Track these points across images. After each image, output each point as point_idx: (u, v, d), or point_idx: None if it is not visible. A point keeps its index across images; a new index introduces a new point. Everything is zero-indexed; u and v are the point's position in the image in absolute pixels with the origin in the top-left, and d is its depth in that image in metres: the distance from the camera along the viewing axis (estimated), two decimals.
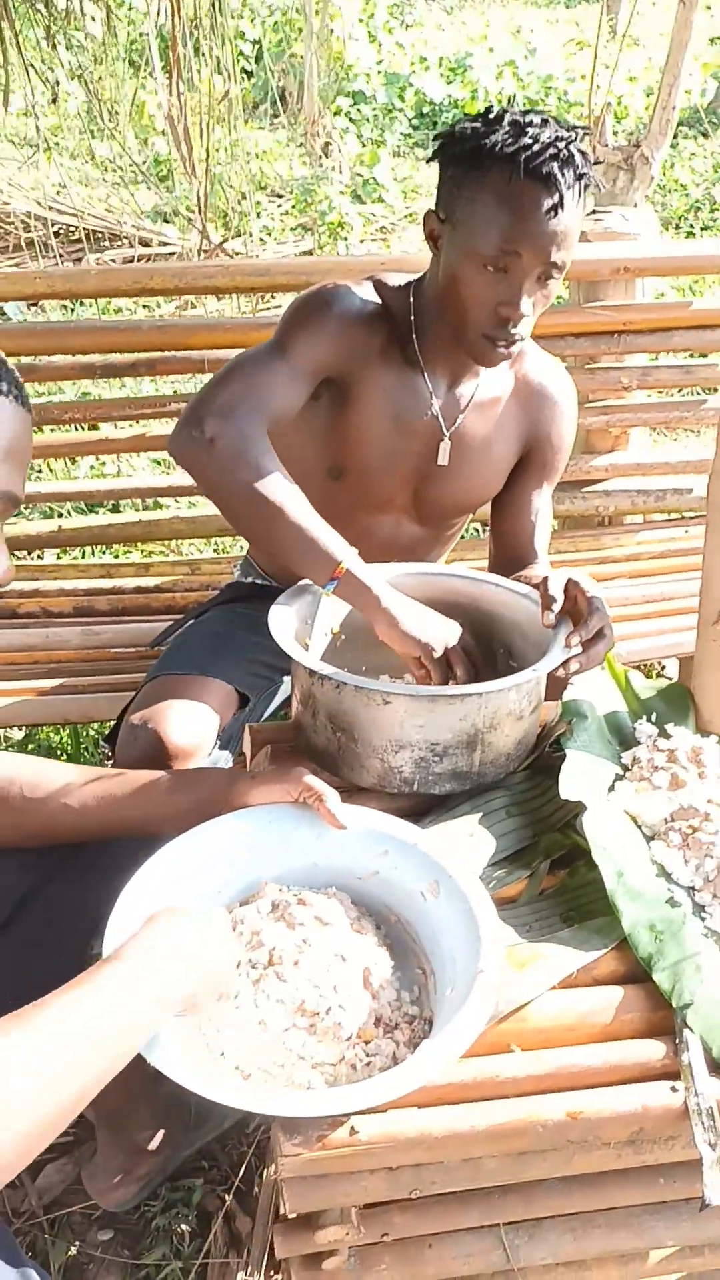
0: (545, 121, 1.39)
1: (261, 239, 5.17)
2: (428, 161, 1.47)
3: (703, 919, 1.17)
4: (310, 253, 5.00)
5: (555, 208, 1.37)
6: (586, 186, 1.42)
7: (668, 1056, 1.06)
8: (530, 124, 1.38)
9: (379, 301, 1.57)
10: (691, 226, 5.87)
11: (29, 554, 2.19)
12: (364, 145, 6.60)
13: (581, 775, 1.28)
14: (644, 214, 2.22)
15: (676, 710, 1.44)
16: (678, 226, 5.91)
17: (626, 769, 1.34)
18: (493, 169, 1.37)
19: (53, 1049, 0.80)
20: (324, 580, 1.37)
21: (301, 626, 1.39)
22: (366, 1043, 1.03)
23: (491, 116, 1.41)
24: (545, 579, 1.38)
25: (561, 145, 1.37)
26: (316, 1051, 1.01)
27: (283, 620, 1.34)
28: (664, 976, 1.10)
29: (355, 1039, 1.03)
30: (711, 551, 1.33)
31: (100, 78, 5.99)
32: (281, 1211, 1.04)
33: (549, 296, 1.49)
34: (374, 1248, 1.15)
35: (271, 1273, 1.45)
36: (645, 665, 2.22)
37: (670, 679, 1.59)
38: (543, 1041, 1.08)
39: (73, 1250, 1.49)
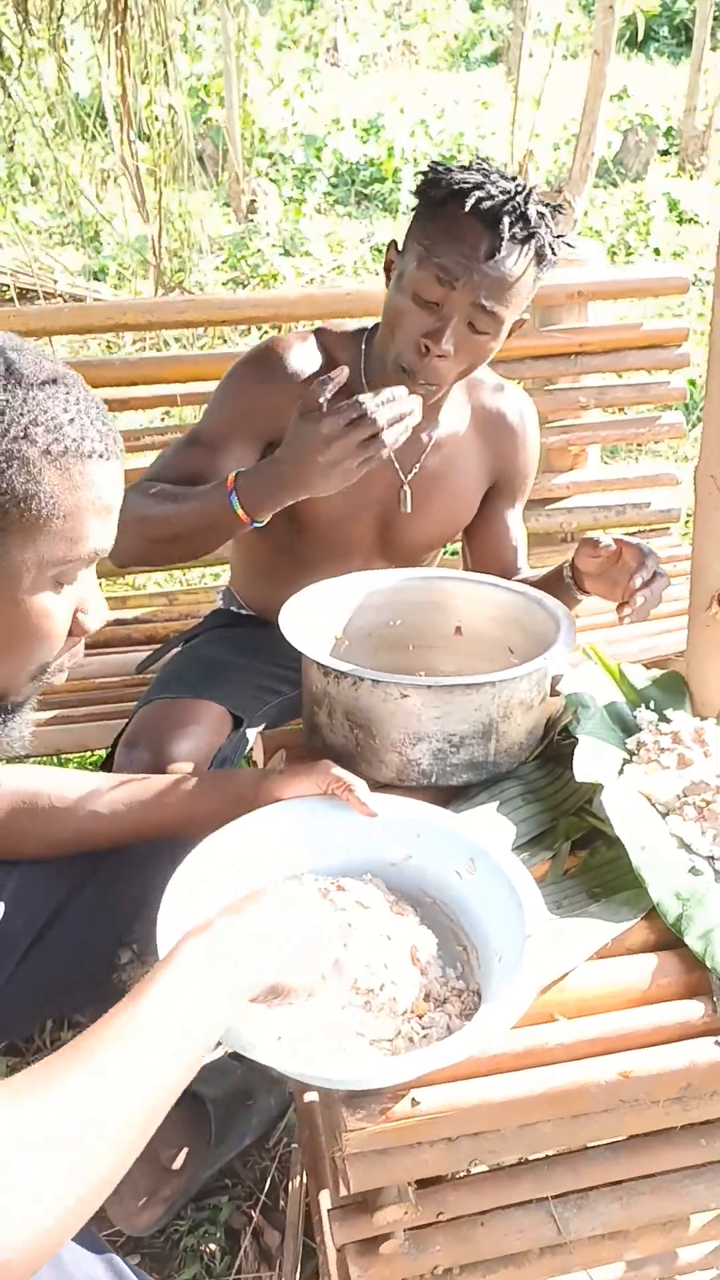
0: (514, 179, 1.45)
1: (193, 292, 5.25)
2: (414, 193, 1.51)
3: None
4: None
5: (494, 250, 1.40)
6: (539, 251, 1.45)
7: (707, 1014, 1.10)
8: (499, 176, 1.44)
9: (321, 355, 1.59)
10: None
11: None
12: (286, 203, 6.75)
13: (594, 758, 1.32)
14: (591, 244, 2.32)
15: (672, 697, 1.49)
16: None
17: (632, 754, 1.39)
18: (449, 204, 1.42)
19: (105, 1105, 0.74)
20: (227, 505, 1.38)
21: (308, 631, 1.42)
22: (420, 1017, 1.06)
23: (471, 166, 1.47)
24: (586, 539, 1.43)
25: (519, 200, 1.41)
26: (373, 1028, 1.03)
27: (294, 623, 1.37)
28: (696, 940, 1.14)
29: (409, 1013, 1.05)
30: (700, 541, 1.39)
31: (14, 146, 6.08)
32: (342, 1192, 1.05)
33: (475, 351, 1.48)
34: (427, 1230, 1.16)
35: None
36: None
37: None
38: (585, 1010, 1.11)
39: None
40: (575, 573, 1.52)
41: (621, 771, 1.35)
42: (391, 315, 1.49)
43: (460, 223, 1.40)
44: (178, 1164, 1.50)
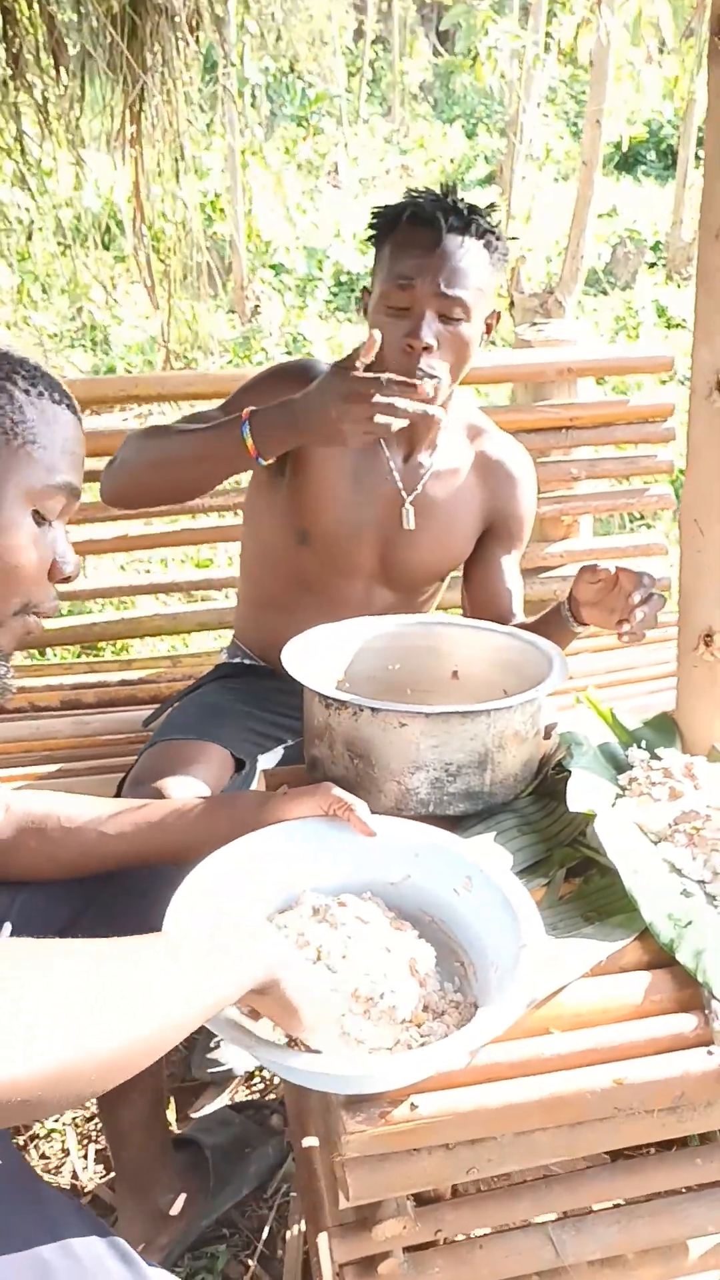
0: (451, 188, 1.60)
1: None
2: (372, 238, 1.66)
3: (716, 908, 1.24)
4: None
5: (436, 242, 1.53)
6: (483, 238, 1.57)
7: (700, 1027, 1.12)
8: (432, 193, 1.59)
9: None
10: None
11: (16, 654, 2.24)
12: (288, 309, 7.01)
13: (588, 790, 1.36)
14: (580, 324, 2.44)
15: (664, 737, 1.54)
16: None
17: (624, 789, 1.43)
18: (395, 225, 1.57)
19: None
20: (238, 435, 1.48)
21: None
22: (418, 1026, 1.08)
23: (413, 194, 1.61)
24: (586, 566, 1.53)
25: (448, 200, 1.56)
26: (373, 1035, 1.05)
27: (297, 661, 1.42)
28: (688, 958, 1.17)
29: (408, 1023, 1.07)
30: (686, 582, 1.46)
31: (24, 256, 6.35)
32: (342, 1204, 1.06)
33: (455, 341, 1.58)
34: (426, 1252, 1.16)
35: None
36: None
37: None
38: (579, 1024, 1.13)
39: None
40: (573, 603, 1.59)
41: (614, 805, 1.39)
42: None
43: (404, 233, 1.55)
44: (175, 1210, 1.50)
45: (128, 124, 2.45)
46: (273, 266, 7.78)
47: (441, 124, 18.75)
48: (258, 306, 6.19)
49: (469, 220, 1.56)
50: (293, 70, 14.40)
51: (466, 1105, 1.03)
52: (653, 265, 8.69)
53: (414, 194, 1.60)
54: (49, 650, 2.55)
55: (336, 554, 1.72)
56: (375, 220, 1.61)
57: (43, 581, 1.06)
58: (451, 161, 16.48)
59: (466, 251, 1.56)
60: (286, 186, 9.75)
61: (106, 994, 0.76)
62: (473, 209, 1.57)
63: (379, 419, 1.37)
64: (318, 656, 1.49)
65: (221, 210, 7.27)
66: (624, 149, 12.57)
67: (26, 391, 1.01)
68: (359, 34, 19.24)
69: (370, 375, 1.39)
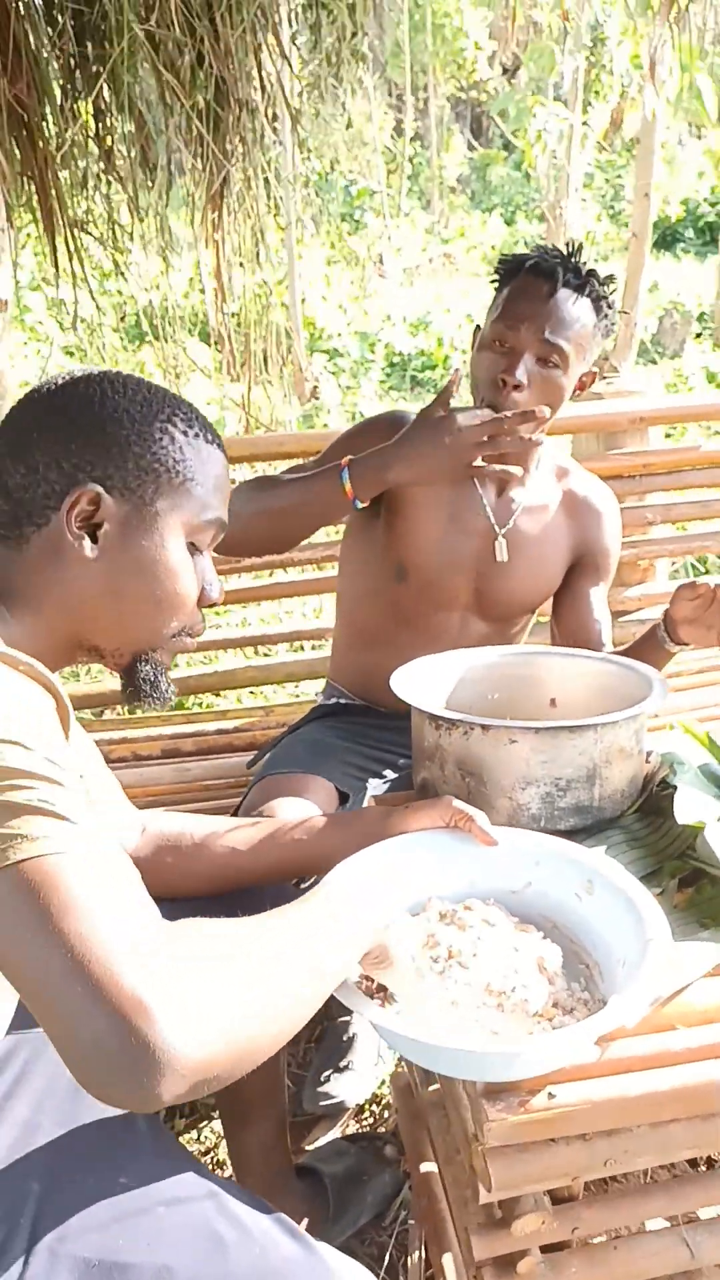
0: (576, 249, 1.70)
1: None
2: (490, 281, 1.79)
3: None
4: None
5: (550, 293, 1.64)
6: (595, 298, 1.68)
7: None
8: (558, 251, 1.70)
9: None
10: None
11: (114, 710, 2.33)
12: (344, 391, 7.23)
13: (694, 802, 1.40)
14: (650, 375, 2.52)
15: None
16: None
17: None
18: (516, 273, 1.70)
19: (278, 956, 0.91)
20: (337, 480, 1.60)
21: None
22: (550, 1020, 1.11)
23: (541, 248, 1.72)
24: (684, 584, 1.63)
25: (569, 259, 1.67)
26: (507, 1027, 1.08)
27: (405, 687, 1.48)
28: None
29: (540, 1016, 1.11)
30: None
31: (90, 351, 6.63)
32: (483, 1198, 1.09)
33: (547, 384, 1.67)
34: (562, 1253, 1.18)
35: None
36: None
37: None
38: (705, 1020, 1.16)
39: None
40: (669, 623, 1.65)
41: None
42: (475, 368, 1.72)
43: (525, 280, 1.67)
44: None
45: (209, 212, 2.60)
46: (326, 351, 8.04)
47: (480, 213, 19.26)
48: (316, 388, 6.40)
49: (585, 281, 1.67)
50: (334, 169, 14.96)
51: (602, 1095, 1.06)
52: (699, 335, 8.84)
53: (541, 248, 1.72)
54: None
55: (433, 587, 1.79)
56: (500, 266, 1.74)
57: (195, 606, 1.14)
58: (493, 248, 16.97)
59: (575, 307, 1.66)
60: (335, 277, 10.11)
61: (279, 975, 0.89)
62: (591, 272, 1.68)
63: (485, 450, 1.47)
64: (421, 687, 1.55)
65: (282, 303, 7.57)
66: (668, 220, 12.84)
67: (185, 433, 1.09)
68: (398, 132, 19.95)
69: (476, 410, 1.50)
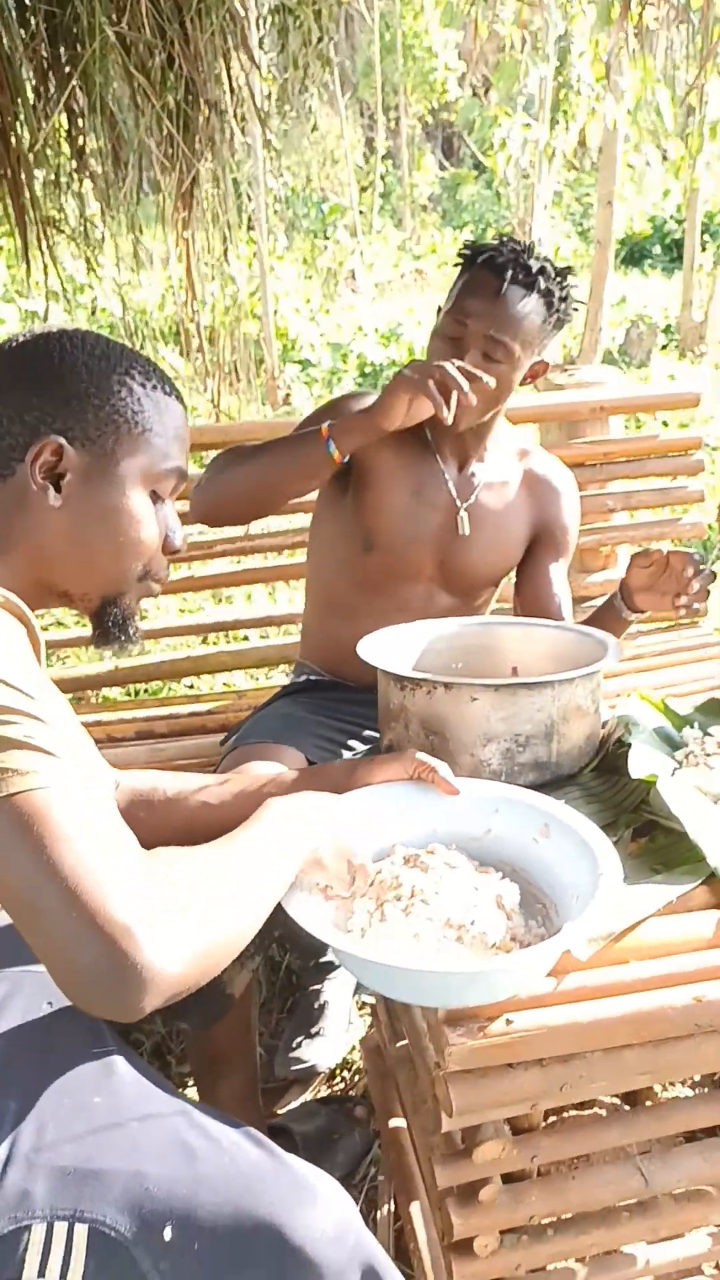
0: (530, 247, 1.75)
1: None
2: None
3: None
4: None
5: (498, 291, 1.69)
6: (545, 294, 1.73)
7: None
8: (513, 243, 1.75)
9: None
10: None
11: (91, 693, 2.37)
12: (315, 400, 7.29)
13: (647, 758, 1.46)
14: (610, 369, 2.60)
15: (714, 719, 1.64)
16: None
17: (681, 763, 1.53)
18: (470, 266, 1.75)
19: (224, 873, 1.00)
20: (323, 449, 1.66)
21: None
22: (508, 953, 1.16)
23: (495, 240, 1.78)
24: (637, 553, 1.71)
25: (522, 255, 1.72)
26: (466, 959, 1.13)
27: (371, 653, 1.53)
28: None
29: (497, 948, 1.16)
30: None
31: None
32: (444, 1126, 1.13)
33: (497, 381, 1.72)
34: (522, 1184, 1.23)
35: None
36: None
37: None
38: (657, 954, 1.21)
39: None
40: (625, 592, 1.71)
41: (673, 775, 1.49)
42: (429, 353, 1.78)
43: (476, 275, 1.73)
44: None
45: (180, 210, 2.66)
46: (299, 362, 8.11)
47: (452, 230, 19.43)
48: (289, 395, 6.47)
49: (533, 279, 1.72)
50: (306, 186, 15.09)
51: (557, 1021, 1.11)
52: (664, 347, 8.98)
53: (500, 240, 1.77)
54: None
55: (399, 559, 1.85)
56: (462, 252, 1.80)
57: (158, 552, 1.18)
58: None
59: (524, 304, 1.71)
60: (307, 291, 10.21)
61: (238, 891, 0.99)
62: (541, 270, 1.73)
63: (432, 388, 1.53)
64: (387, 656, 1.60)
65: (253, 314, 7.64)
66: (635, 236, 13.02)
67: (143, 385, 1.14)
68: (370, 149, 20.14)
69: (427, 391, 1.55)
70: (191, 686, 2.88)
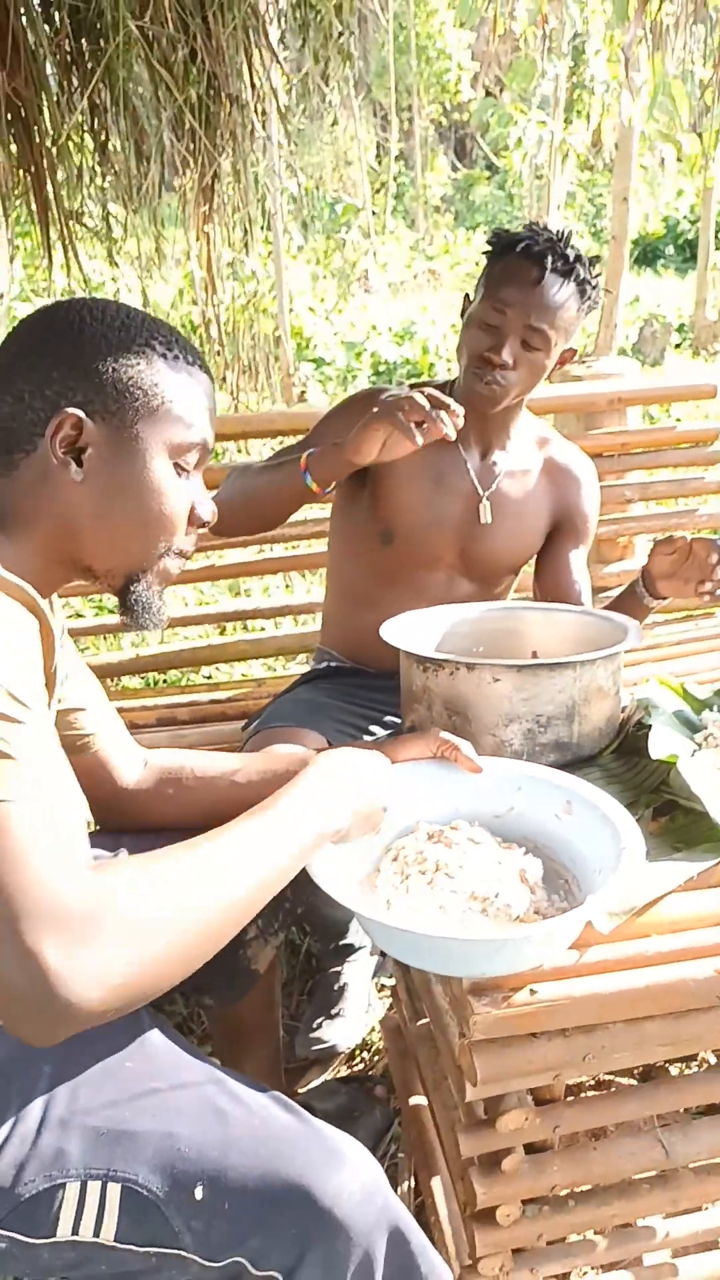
0: (565, 236, 1.76)
1: None
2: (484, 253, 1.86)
3: None
4: None
5: (538, 279, 1.71)
6: (580, 283, 1.75)
7: None
8: (545, 230, 1.76)
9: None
10: None
11: (110, 682, 2.39)
12: (331, 397, 7.32)
13: (667, 739, 1.48)
14: (628, 360, 2.62)
15: None
16: None
17: (700, 745, 1.54)
18: (506, 252, 1.76)
19: (237, 858, 0.99)
20: (301, 479, 1.67)
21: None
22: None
23: (525, 228, 1.79)
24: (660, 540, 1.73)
25: (559, 244, 1.74)
26: (490, 930, 1.15)
27: (394, 635, 1.55)
28: None
29: (521, 920, 1.18)
30: None
31: None
32: (469, 1095, 1.15)
33: (530, 364, 1.76)
34: (545, 1154, 1.25)
35: None
36: None
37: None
38: (678, 929, 1.23)
39: None
40: (648, 579, 1.73)
41: (693, 756, 1.50)
42: (463, 343, 1.79)
43: (513, 263, 1.73)
44: None
45: (200, 204, 2.69)
46: (314, 360, 8.14)
47: (465, 231, 19.45)
48: (304, 393, 6.50)
49: (571, 267, 1.74)
50: (319, 188, 15.13)
51: (580, 992, 1.13)
52: (678, 346, 8.99)
53: (532, 229, 1.78)
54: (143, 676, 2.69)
55: (420, 547, 1.87)
56: (492, 241, 1.81)
57: (185, 527, 1.16)
58: (476, 264, 17.17)
59: (560, 292, 1.74)
60: (321, 291, 10.24)
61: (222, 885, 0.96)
62: (579, 258, 1.76)
63: (402, 421, 1.50)
64: (409, 639, 1.62)
65: (265, 310, 7.68)
66: (649, 236, 13.04)
67: (164, 355, 1.11)
68: (384, 151, 20.17)
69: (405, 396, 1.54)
70: (209, 677, 2.91)
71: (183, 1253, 0.94)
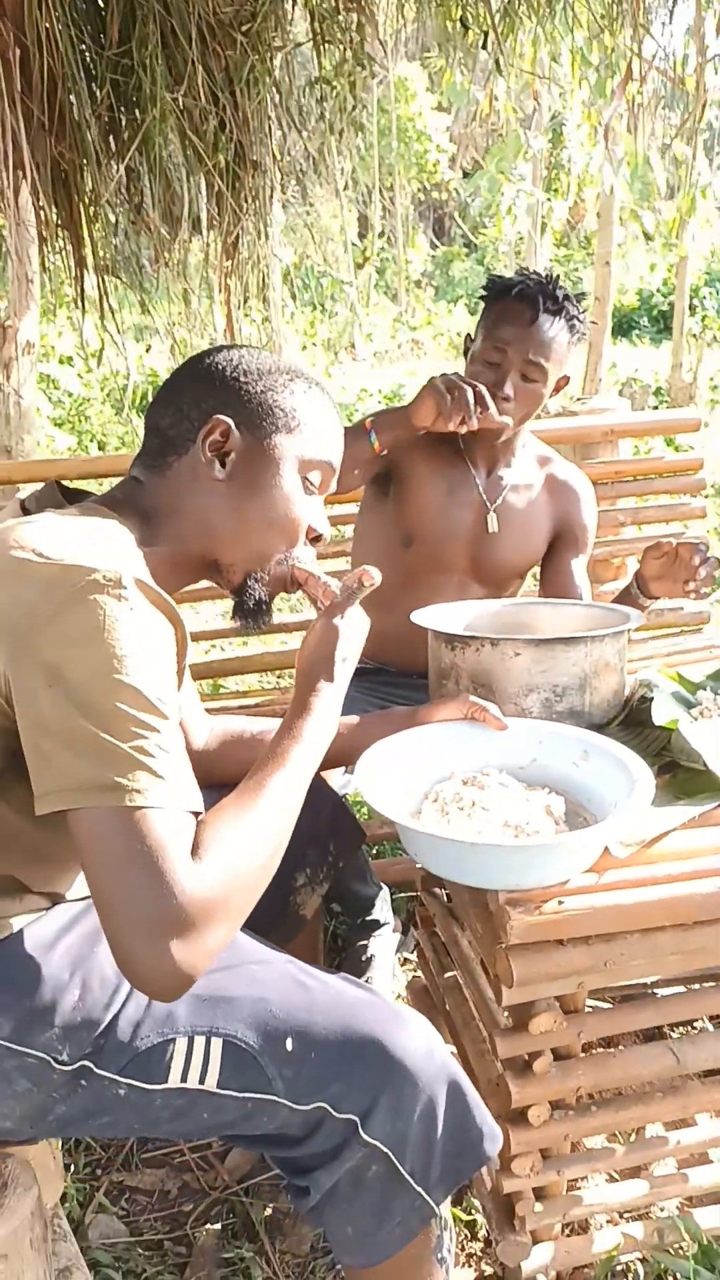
0: (554, 278, 2.00)
1: None
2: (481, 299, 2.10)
3: None
4: None
5: (533, 319, 1.94)
6: (570, 319, 1.98)
7: None
8: (538, 276, 2.00)
9: None
10: None
11: None
12: None
13: (669, 707, 1.66)
14: (619, 398, 2.85)
15: None
16: None
17: (696, 718, 1.73)
18: (501, 295, 2.00)
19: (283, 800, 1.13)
20: (366, 439, 1.91)
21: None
22: None
23: (517, 274, 2.02)
24: (650, 547, 1.94)
25: (548, 286, 1.97)
26: None
27: (429, 618, 1.74)
28: None
29: None
30: None
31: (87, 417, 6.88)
32: (505, 999, 1.32)
33: (530, 396, 1.99)
34: (570, 1060, 1.41)
35: None
36: None
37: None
38: (681, 857, 1.40)
39: (269, 1210, 1.66)
40: (641, 581, 1.94)
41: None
42: (469, 377, 2.00)
43: (510, 305, 1.97)
44: None
45: (224, 260, 2.93)
46: None
47: (446, 303, 20.01)
48: None
49: (561, 305, 1.97)
50: (306, 260, 15.61)
51: (602, 904, 1.30)
52: (655, 407, 9.34)
53: (523, 273, 2.01)
54: None
55: (435, 553, 2.07)
56: (488, 285, 2.05)
57: (303, 538, 1.34)
58: (458, 334, 17.69)
59: (553, 328, 1.97)
60: (310, 358, 10.59)
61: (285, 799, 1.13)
62: (567, 297, 1.99)
63: (449, 403, 1.81)
64: (438, 624, 1.81)
65: None
66: (624, 309, 13.49)
67: (304, 390, 1.32)
68: (366, 228, 20.82)
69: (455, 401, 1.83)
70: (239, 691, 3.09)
71: (275, 1098, 1.10)
